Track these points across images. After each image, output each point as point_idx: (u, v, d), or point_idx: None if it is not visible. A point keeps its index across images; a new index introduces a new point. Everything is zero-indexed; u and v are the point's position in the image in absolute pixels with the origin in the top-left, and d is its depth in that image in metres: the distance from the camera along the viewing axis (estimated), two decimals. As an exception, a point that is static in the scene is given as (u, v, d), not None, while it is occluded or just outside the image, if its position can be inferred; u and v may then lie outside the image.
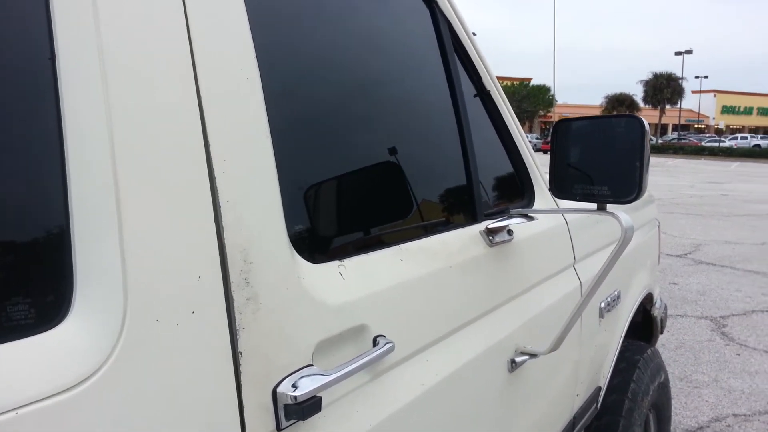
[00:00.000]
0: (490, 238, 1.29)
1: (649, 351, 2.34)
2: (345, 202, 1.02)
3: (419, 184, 1.22)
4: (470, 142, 1.34)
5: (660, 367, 2.39)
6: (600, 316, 1.92)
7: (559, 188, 1.28)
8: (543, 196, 1.65)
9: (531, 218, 1.35)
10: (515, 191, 1.61)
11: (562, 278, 1.67)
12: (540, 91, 60.02)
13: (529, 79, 63.09)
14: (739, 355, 4.36)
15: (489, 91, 1.47)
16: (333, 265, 0.90)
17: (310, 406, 0.76)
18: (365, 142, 1.11)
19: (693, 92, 76.52)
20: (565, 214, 1.73)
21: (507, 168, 1.60)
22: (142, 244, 0.62)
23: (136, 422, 0.60)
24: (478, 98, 1.48)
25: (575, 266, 1.77)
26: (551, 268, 1.61)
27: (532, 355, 1.34)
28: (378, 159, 1.12)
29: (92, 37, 0.61)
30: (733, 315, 5.26)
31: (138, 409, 0.60)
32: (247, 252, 0.74)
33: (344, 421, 0.86)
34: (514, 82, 60.56)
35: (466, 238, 1.24)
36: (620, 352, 2.29)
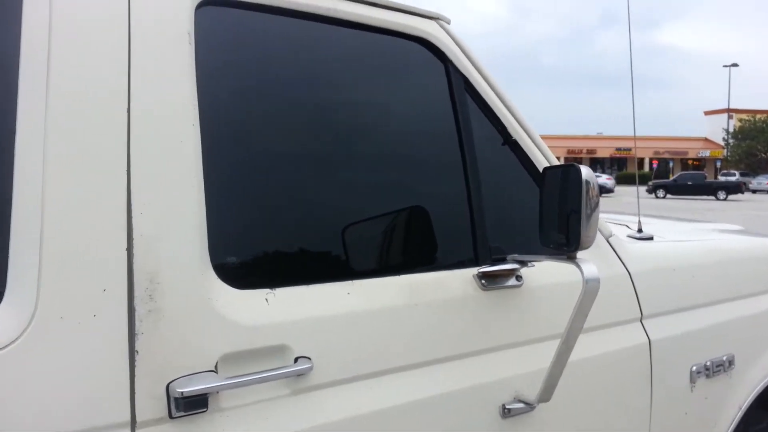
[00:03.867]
0: (483, 282, 1.32)
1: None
2: (284, 239, 1.18)
3: (393, 224, 1.32)
4: (476, 188, 1.39)
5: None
6: (691, 381, 1.72)
7: (542, 238, 1.27)
8: (597, 245, 1.58)
9: (524, 264, 1.33)
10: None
11: (616, 333, 1.58)
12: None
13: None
14: None
15: (515, 140, 1.51)
16: (260, 293, 1.07)
17: (194, 402, 0.94)
18: (329, 176, 1.25)
19: None
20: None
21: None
22: (56, 261, 0.88)
23: (37, 387, 0.85)
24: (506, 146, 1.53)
25: (643, 321, 1.65)
26: (594, 320, 1.53)
27: (528, 404, 1.31)
28: (340, 197, 1.27)
29: (42, 87, 0.89)
30: None
31: (39, 379, 0.85)
32: (155, 275, 0.96)
33: (250, 423, 1.01)
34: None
35: (450, 280, 1.30)
36: (761, 429, 1.99)
